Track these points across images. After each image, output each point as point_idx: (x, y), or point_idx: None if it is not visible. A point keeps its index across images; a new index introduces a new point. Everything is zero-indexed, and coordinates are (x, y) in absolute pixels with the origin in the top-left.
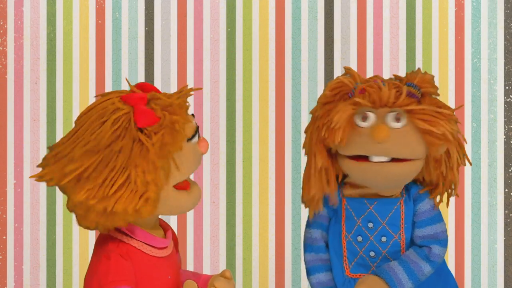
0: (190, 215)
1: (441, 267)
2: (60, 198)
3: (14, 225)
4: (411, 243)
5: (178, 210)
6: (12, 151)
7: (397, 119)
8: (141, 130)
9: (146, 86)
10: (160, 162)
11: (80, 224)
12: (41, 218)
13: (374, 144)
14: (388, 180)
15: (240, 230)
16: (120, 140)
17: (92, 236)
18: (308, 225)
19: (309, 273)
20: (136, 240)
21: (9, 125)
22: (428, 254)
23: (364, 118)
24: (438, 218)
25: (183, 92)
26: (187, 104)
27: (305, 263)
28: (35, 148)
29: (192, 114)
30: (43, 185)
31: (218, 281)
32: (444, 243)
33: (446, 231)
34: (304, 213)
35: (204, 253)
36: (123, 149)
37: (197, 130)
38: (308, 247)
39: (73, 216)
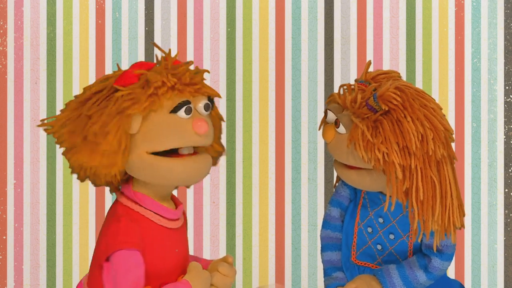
0: (190, 215)
1: (442, 279)
2: (60, 198)
3: (14, 225)
4: (420, 248)
5: (167, 178)
6: (12, 151)
7: (336, 124)
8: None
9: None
10: (116, 119)
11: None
12: (41, 218)
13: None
14: (350, 183)
15: (240, 230)
16: (100, 95)
17: (92, 236)
18: (330, 202)
19: (322, 249)
20: (145, 208)
21: (9, 125)
22: (427, 265)
23: (325, 115)
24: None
25: (199, 70)
26: (192, 75)
27: (320, 239)
28: (35, 148)
29: (210, 99)
30: (43, 185)
31: (222, 267)
32: (446, 257)
33: (453, 246)
34: (305, 213)
35: (204, 253)
36: (98, 103)
37: (185, 104)
38: (325, 224)
39: (73, 216)
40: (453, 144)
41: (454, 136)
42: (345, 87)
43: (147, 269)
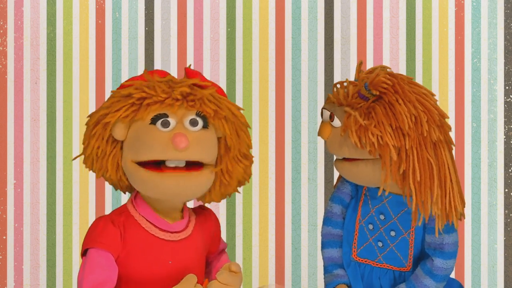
0: None
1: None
2: (60, 198)
3: (14, 225)
4: (422, 244)
5: (144, 189)
6: (12, 151)
7: (330, 118)
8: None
9: (193, 74)
10: (98, 126)
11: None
12: (41, 218)
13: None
14: (349, 178)
15: (240, 230)
16: None
17: None
18: (331, 198)
19: (323, 246)
20: (139, 214)
21: (9, 125)
22: (431, 268)
23: (321, 114)
24: (449, 228)
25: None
26: (173, 88)
27: (321, 236)
28: (35, 148)
29: (202, 115)
30: (43, 185)
31: (220, 275)
32: (448, 255)
33: (455, 243)
34: (305, 213)
35: None
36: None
37: (162, 117)
38: (326, 220)
39: (73, 216)
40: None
41: (453, 130)
42: (338, 85)
43: (130, 274)
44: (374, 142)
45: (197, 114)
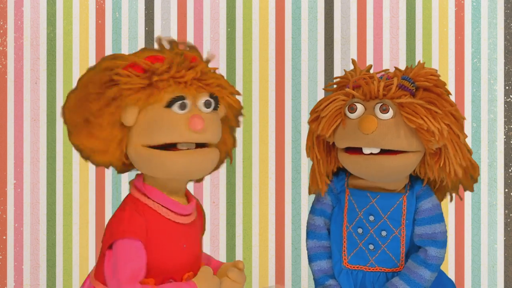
0: None
1: (439, 276)
2: (60, 198)
3: (14, 225)
4: (411, 241)
5: (161, 171)
6: (12, 151)
7: (384, 110)
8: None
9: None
10: (112, 107)
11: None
12: (41, 218)
13: (362, 136)
14: (381, 173)
15: (240, 230)
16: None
17: (92, 236)
18: (312, 211)
19: (310, 259)
20: (153, 201)
21: (9, 125)
22: (424, 258)
23: (352, 109)
24: (438, 218)
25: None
26: (189, 62)
27: (307, 250)
28: (35, 148)
29: (213, 96)
30: (43, 185)
31: (232, 272)
32: (441, 244)
33: (445, 232)
34: (304, 213)
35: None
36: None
37: (180, 99)
38: (310, 234)
39: (73, 216)
40: None
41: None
42: (363, 78)
43: (151, 262)
44: (444, 132)
45: (210, 96)
